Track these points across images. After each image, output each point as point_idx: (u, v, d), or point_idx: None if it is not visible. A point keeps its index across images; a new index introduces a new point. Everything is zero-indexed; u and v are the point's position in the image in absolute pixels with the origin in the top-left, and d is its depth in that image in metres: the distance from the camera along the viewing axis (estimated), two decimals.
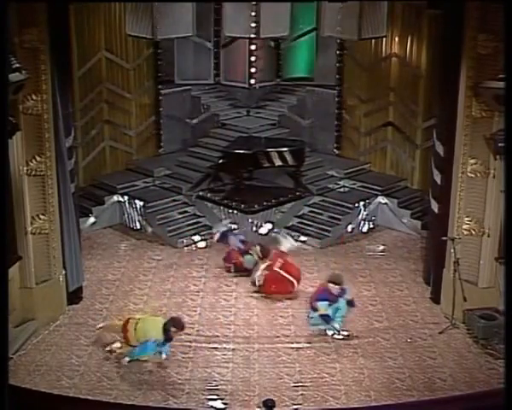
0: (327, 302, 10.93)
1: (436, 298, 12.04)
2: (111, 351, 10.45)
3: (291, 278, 12.28)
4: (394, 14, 14.94)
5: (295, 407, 9.53)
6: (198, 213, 15.06)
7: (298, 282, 12.33)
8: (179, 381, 10.02)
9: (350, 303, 11.09)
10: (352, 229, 14.93)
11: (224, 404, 9.54)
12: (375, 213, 15.28)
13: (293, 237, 14.20)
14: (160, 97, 16.49)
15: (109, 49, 15.61)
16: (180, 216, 14.94)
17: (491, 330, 10.78)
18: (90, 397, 9.48)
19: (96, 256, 13.82)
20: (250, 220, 14.43)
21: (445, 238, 11.42)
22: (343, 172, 16.00)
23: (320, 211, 15.14)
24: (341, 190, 15.83)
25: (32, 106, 10.61)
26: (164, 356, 10.25)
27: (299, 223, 14.98)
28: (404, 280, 13.01)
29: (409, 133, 15.75)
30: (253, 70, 16.32)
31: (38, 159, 10.85)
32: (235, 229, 14.15)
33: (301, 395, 9.75)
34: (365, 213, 15.12)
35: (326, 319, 10.99)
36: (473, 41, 10.60)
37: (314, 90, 16.83)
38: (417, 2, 14.40)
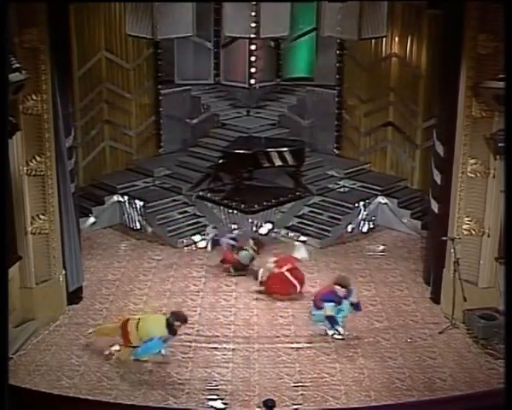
0: (333, 304, 10.90)
1: (436, 298, 12.04)
2: (110, 354, 10.40)
3: (295, 282, 12.27)
4: (394, 14, 14.94)
5: (295, 407, 9.52)
6: (198, 213, 15.06)
7: (301, 287, 12.31)
8: (179, 381, 10.02)
9: (356, 306, 11.04)
10: (352, 229, 14.93)
11: (224, 404, 9.53)
12: (375, 213, 15.28)
13: (295, 238, 14.38)
14: (160, 97, 16.50)
15: (109, 49, 15.61)
16: (180, 216, 14.94)
17: (491, 330, 10.77)
18: (90, 397, 9.48)
19: (96, 256, 13.82)
20: (250, 220, 14.43)
21: (445, 238, 11.43)
22: (343, 172, 16.00)
23: (320, 211, 15.14)
24: (341, 190, 15.84)
25: (32, 106, 10.61)
26: (163, 352, 10.25)
27: (299, 223, 14.98)
28: (404, 280, 13.02)
29: (409, 133, 15.75)
30: (253, 70, 16.33)
31: (38, 159, 10.85)
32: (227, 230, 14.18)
33: (301, 395, 9.75)
34: (365, 213, 15.12)
35: (331, 320, 10.96)
36: (473, 41, 10.60)
37: (314, 90, 16.83)
38: (417, 2, 14.40)
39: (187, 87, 16.85)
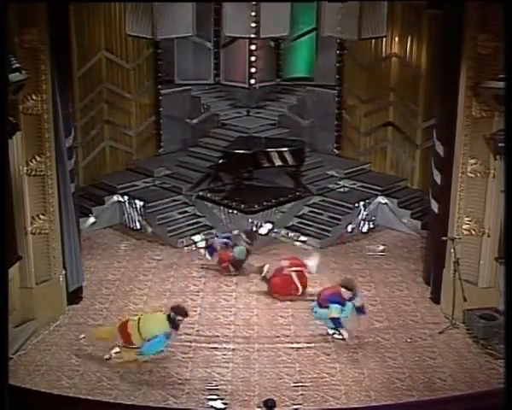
0: (339, 306, 10.82)
1: (436, 298, 12.04)
2: (110, 357, 10.33)
3: (299, 286, 12.25)
4: (394, 14, 14.95)
5: (295, 407, 9.53)
6: (198, 213, 15.06)
7: (302, 291, 12.28)
8: (179, 381, 10.02)
9: (359, 310, 10.98)
10: (352, 229, 14.93)
11: (224, 404, 9.54)
12: (375, 213, 15.28)
13: (295, 238, 14.47)
14: (160, 97, 16.50)
15: (109, 49, 15.62)
16: (180, 216, 14.94)
17: (491, 330, 10.77)
18: (90, 397, 9.48)
19: (96, 256, 13.82)
20: (250, 220, 14.43)
21: (445, 238, 11.43)
22: (343, 172, 16.01)
23: (320, 211, 15.15)
24: (341, 190, 15.84)
25: (32, 106, 10.61)
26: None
27: (299, 223, 14.98)
28: (404, 280, 13.02)
29: (409, 133, 15.76)
30: (253, 70, 16.33)
31: (38, 159, 10.85)
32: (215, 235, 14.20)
33: (301, 395, 9.75)
34: (365, 213, 15.13)
35: (336, 323, 10.88)
36: (473, 41, 10.60)
37: (314, 90, 16.84)
38: (417, 2, 14.41)
39: (187, 87, 16.86)
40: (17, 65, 9.75)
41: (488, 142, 10.80)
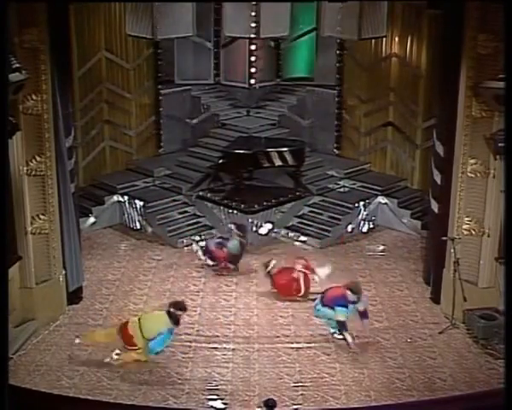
0: (345, 309, 10.77)
1: (436, 298, 12.04)
2: (111, 360, 10.27)
3: (302, 288, 12.23)
4: (394, 14, 14.94)
5: (295, 407, 9.53)
6: (198, 213, 15.06)
7: (304, 294, 12.24)
8: (179, 381, 10.02)
9: (362, 314, 10.92)
10: (352, 229, 14.93)
11: (224, 404, 9.54)
12: (375, 213, 15.28)
13: (295, 238, 14.50)
14: (160, 97, 16.50)
15: (109, 49, 15.61)
16: (180, 216, 14.94)
17: (491, 330, 10.77)
18: (90, 397, 9.48)
19: (96, 256, 13.82)
20: (250, 220, 14.43)
21: (445, 238, 11.43)
22: (343, 172, 16.01)
23: (320, 211, 15.14)
24: (341, 190, 15.84)
25: (32, 106, 10.61)
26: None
27: (299, 223, 14.98)
28: (404, 280, 13.02)
29: (409, 133, 15.75)
30: (253, 70, 16.32)
31: (38, 159, 10.85)
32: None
33: (301, 395, 9.75)
34: (365, 213, 15.12)
35: (342, 326, 10.83)
36: (473, 41, 10.60)
37: (314, 90, 16.84)
38: (417, 2, 14.40)
39: (187, 87, 16.85)
40: (17, 65, 9.75)
41: (488, 142, 10.80)
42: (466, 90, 10.85)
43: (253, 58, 16.23)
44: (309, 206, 15.29)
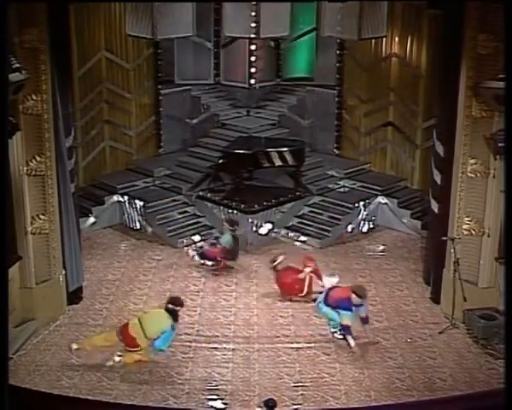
0: (350, 313, 10.74)
1: (436, 298, 12.04)
2: (113, 363, 10.21)
3: (305, 289, 12.20)
4: (394, 14, 14.94)
5: (295, 407, 9.53)
6: (198, 213, 15.06)
7: (305, 295, 12.22)
8: (179, 381, 10.02)
9: (364, 320, 10.90)
10: (352, 229, 14.93)
11: (224, 404, 9.54)
12: (375, 213, 15.28)
13: (295, 238, 14.51)
14: (160, 97, 16.50)
15: (109, 49, 15.62)
16: (180, 216, 14.94)
17: (491, 330, 10.77)
18: (90, 397, 9.48)
19: (96, 256, 13.82)
20: (250, 220, 14.43)
21: (445, 238, 11.43)
22: (343, 172, 16.01)
23: (320, 211, 15.14)
24: (341, 190, 15.84)
25: (32, 106, 10.61)
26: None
27: (299, 223, 14.98)
28: (404, 280, 13.02)
29: (409, 133, 15.76)
30: (253, 70, 16.32)
31: (38, 159, 10.85)
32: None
33: (301, 395, 9.75)
34: (365, 213, 15.12)
35: (346, 330, 10.79)
36: (473, 41, 10.60)
37: (314, 90, 16.84)
38: (417, 2, 14.41)
39: (187, 87, 16.85)
40: (17, 65, 9.75)
41: (488, 142, 10.80)
42: (466, 90, 10.85)
43: (253, 58, 16.23)
44: (309, 206, 15.29)
